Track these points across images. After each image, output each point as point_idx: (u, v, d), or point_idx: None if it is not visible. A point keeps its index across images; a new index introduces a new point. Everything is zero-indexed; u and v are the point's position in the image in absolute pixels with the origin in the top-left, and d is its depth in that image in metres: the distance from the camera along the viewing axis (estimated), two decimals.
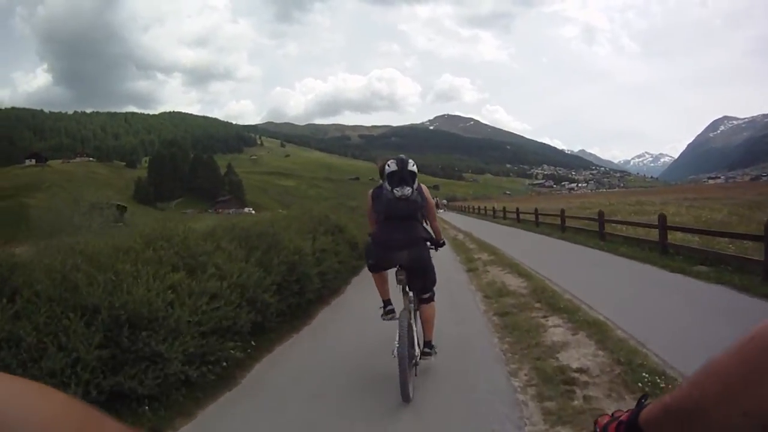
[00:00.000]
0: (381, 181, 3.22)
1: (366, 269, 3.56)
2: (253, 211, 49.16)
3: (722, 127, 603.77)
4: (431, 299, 3.26)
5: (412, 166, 3.08)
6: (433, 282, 3.28)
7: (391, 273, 3.27)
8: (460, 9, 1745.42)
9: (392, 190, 3.05)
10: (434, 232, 3.35)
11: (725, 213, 14.18)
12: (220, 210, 78.10)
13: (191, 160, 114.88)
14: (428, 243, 3.23)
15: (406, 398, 2.83)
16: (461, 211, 48.80)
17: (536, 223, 17.01)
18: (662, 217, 8.11)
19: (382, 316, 3.45)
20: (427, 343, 3.22)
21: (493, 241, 11.95)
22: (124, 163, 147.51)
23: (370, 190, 3.37)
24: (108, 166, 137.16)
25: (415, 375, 3.05)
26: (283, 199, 77.06)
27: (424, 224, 3.31)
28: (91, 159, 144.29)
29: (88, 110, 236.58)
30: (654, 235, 8.33)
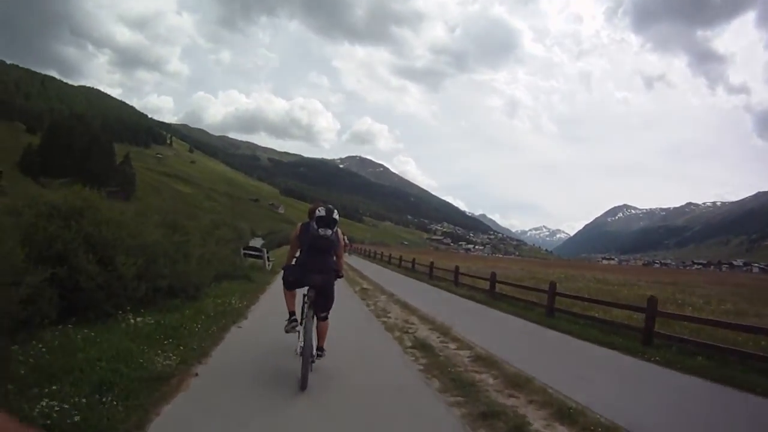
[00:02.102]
0: (309, 220, 4.25)
1: None
2: None
3: (620, 214, 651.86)
4: (327, 318, 4.33)
5: (336, 215, 4.13)
6: (331, 306, 4.30)
7: (300, 293, 4.27)
8: (396, 59, 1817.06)
9: (318, 229, 4.04)
10: (339, 265, 4.38)
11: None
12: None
13: (89, 139, 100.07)
14: (335, 272, 4.30)
15: (304, 386, 3.72)
16: (368, 256, 35.76)
17: (551, 312, 9.05)
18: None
19: (285, 327, 4.37)
20: (320, 347, 4.28)
21: None
22: (25, 127, 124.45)
23: (299, 224, 4.47)
24: (5, 125, 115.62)
25: (311, 371, 3.90)
26: (175, 204, 71.43)
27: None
28: None
29: (8, 61, 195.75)
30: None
